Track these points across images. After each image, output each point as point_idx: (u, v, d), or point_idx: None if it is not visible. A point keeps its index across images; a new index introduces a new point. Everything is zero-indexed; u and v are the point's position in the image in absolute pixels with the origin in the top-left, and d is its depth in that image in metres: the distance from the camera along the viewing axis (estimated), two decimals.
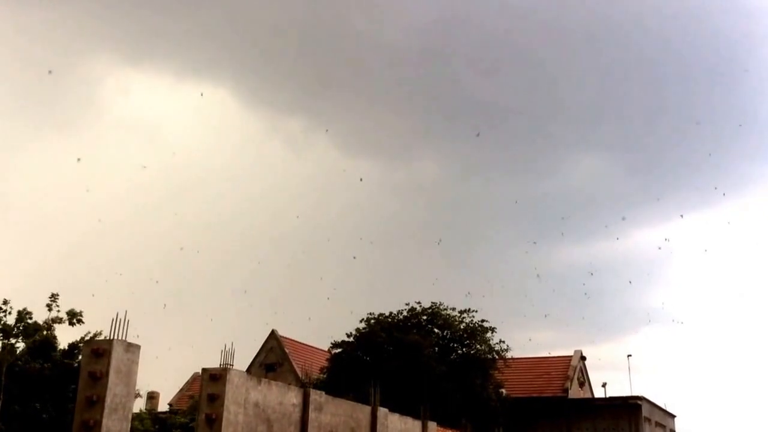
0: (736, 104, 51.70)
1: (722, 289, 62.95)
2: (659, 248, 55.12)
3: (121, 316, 9.92)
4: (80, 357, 11.41)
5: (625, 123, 53.13)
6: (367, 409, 15.88)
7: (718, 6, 47.22)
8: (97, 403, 9.57)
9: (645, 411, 28.52)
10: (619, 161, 55.80)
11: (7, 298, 11.39)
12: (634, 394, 29.06)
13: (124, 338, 9.97)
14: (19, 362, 10.76)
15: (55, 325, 11.60)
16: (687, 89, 52.11)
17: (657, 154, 53.95)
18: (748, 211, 58.92)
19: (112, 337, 9.90)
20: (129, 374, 10.00)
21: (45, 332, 11.44)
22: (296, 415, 13.18)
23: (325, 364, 25.39)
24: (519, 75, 52.95)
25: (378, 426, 15.93)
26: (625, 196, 57.83)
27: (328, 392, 14.73)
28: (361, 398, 16.19)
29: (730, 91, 51.97)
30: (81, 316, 11.67)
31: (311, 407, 13.47)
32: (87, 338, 11.61)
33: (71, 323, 11.69)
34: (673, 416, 34.18)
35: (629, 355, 32.73)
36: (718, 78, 52.23)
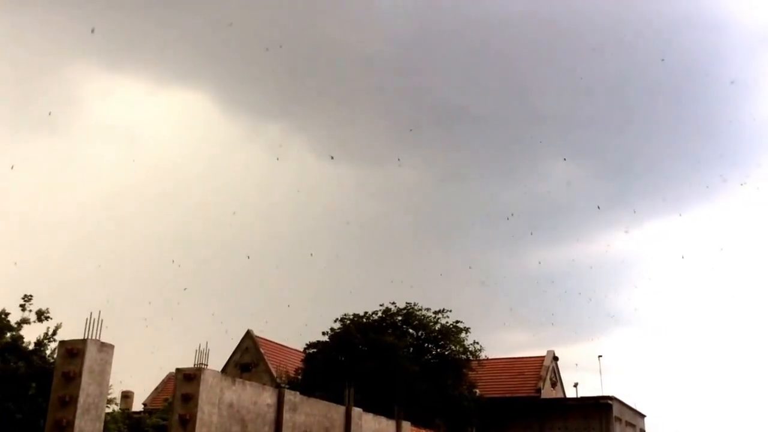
0: (702, 115, 53.49)
1: (691, 292, 64.75)
2: (620, 250, 56.60)
3: (95, 316, 9.96)
4: (48, 353, 11.41)
5: (597, 130, 54.53)
6: (342, 409, 16.05)
7: (684, 21, 48.94)
8: (70, 403, 9.60)
9: (616, 411, 29.16)
10: (591, 167, 57.16)
11: None
12: (605, 394, 29.68)
13: (98, 338, 10.00)
14: None
15: (25, 326, 11.58)
16: (654, 100, 53.74)
17: (627, 161, 55.49)
18: (713, 219, 60.85)
19: (85, 337, 9.92)
20: (102, 374, 10.03)
21: (14, 332, 11.40)
22: (271, 415, 13.29)
23: (301, 364, 25.47)
24: (495, 84, 53.99)
25: (352, 426, 16.11)
26: (598, 201, 59.19)
27: (303, 392, 14.86)
28: (336, 398, 16.35)
29: (696, 103, 53.73)
30: (48, 313, 11.69)
31: (286, 407, 13.59)
32: (50, 332, 11.62)
33: (39, 320, 11.68)
34: (643, 416, 35.02)
35: (600, 356, 33.47)
36: (684, 89, 54.07)
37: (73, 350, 9.84)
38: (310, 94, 56.92)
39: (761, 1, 53.14)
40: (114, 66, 52.94)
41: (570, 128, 55.42)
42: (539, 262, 56.77)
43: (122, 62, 52.38)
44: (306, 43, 53.47)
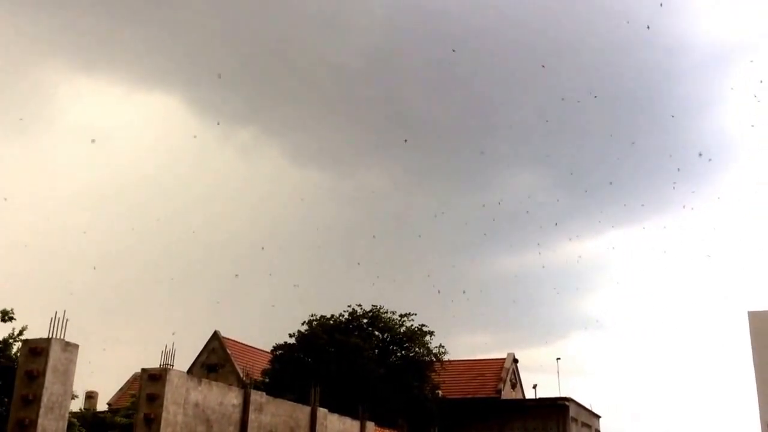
0: (656, 131, 55.95)
1: (649, 298, 67.17)
2: (579, 257, 58.52)
3: (60, 315, 9.95)
4: (14, 353, 11.33)
5: (556, 141, 56.36)
6: (307, 409, 16.26)
7: (642, 40, 51.28)
8: (33, 402, 9.58)
9: (572, 411, 30.11)
10: (552, 176, 59.00)
11: None
12: (563, 395, 30.66)
13: (62, 337, 9.99)
14: None
15: None
16: (614, 114, 55.86)
17: (587, 171, 57.49)
18: (667, 229, 63.45)
19: (49, 336, 9.91)
20: (66, 373, 10.03)
21: None
22: (236, 415, 13.43)
23: (268, 366, 25.53)
24: (459, 94, 55.25)
25: (317, 426, 16.34)
26: (558, 209, 61.13)
27: (270, 393, 15.02)
28: (302, 399, 16.55)
29: (653, 119, 56.15)
30: (12, 313, 11.59)
31: (252, 407, 13.74)
32: (16, 333, 11.53)
33: (3, 320, 11.58)
34: (598, 417, 36.21)
35: (558, 358, 34.53)
36: (642, 106, 56.51)
37: (37, 349, 9.82)
38: (282, 101, 57.18)
39: (715, 21, 55.91)
40: (86, 68, 52.13)
41: (531, 138, 57.08)
42: (496, 269, 58.15)
43: (95, 65, 51.61)
44: (279, 51, 53.69)
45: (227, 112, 55.34)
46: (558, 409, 29.54)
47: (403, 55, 53.43)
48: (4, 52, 44.40)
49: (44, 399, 9.65)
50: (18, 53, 46.11)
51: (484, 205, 58.51)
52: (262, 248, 53.51)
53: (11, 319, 11.61)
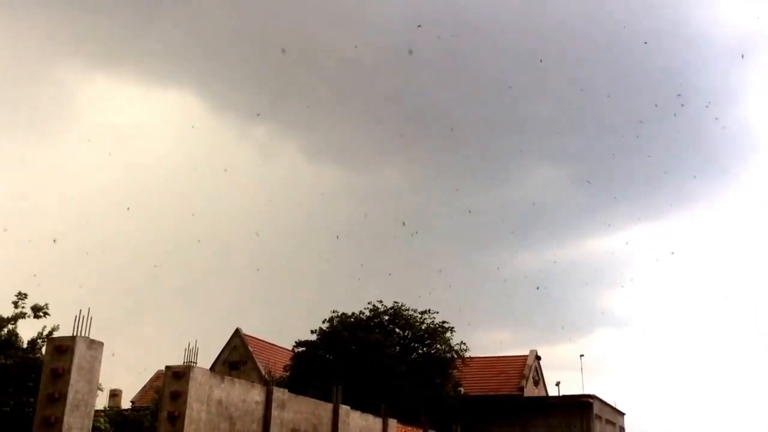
0: (679, 125, 54.83)
1: (672, 294, 65.93)
2: (599, 253, 57.82)
3: (84, 313, 9.98)
4: (43, 351, 11.42)
5: (579, 136, 55.57)
6: (329, 406, 16.20)
7: (666, 33, 50.18)
8: (58, 399, 9.61)
9: (596, 409, 29.67)
10: (573, 172, 58.20)
11: None
12: (586, 392, 30.22)
13: (87, 335, 10.02)
14: None
15: (20, 321, 11.56)
16: (636, 109, 54.89)
17: (609, 166, 56.65)
18: (692, 223, 62.19)
19: (75, 334, 9.94)
20: (91, 371, 10.05)
21: (8, 327, 11.39)
22: (259, 412, 13.39)
23: (289, 362, 25.56)
24: (480, 89, 54.78)
25: (339, 423, 16.27)
26: (579, 205, 60.36)
27: (291, 390, 14.97)
28: (324, 396, 16.49)
29: (676, 113, 54.98)
30: (47, 308, 11.65)
31: (274, 405, 13.70)
32: (46, 332, 11.60)
33: (36, 317, 11.64)
34: (623, 414, 35.65)
35: (582, 355, 34.05)
36: (664, 101, 55.41)
37: (62, 347, 9.85)
38: (298, 97, 57.29)
39: (736, 13, 54.53)
40: (103, 68, 52.82)
41: (552, 134, 56.35)
42: (517, 266, 57.59)
43: (112, 64, 52.27)
44: (295, 47, 53.80)
45: (244, 109, 55.71)
46: (581, 406, 29.13)
47: (421, 48, 53.13)
48: (21, 53, 45.21)
49: (69, 397, 9.68)
50: (36, 53, 46.91)
51: (502, 201, 58.03)
52: (286, 245, 53.64)
53: (45, 314, 11.66)
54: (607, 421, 32.15)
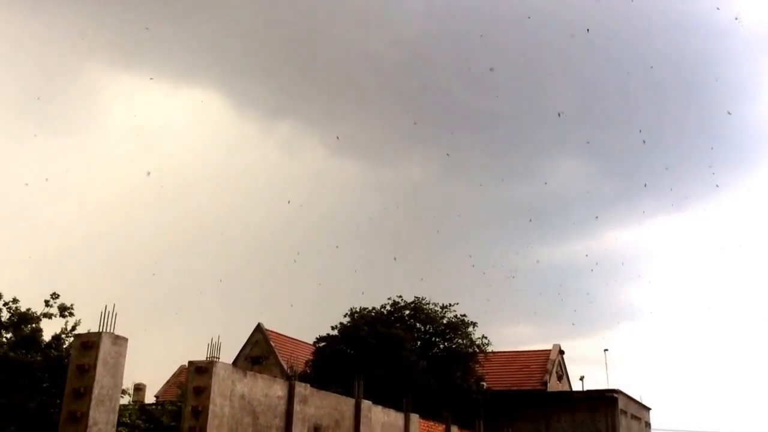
0: (703, 117, 53.52)
1: (697, 288, 64.60)
2: (624, 246, 56.80)
3: (110, 309, 10.06)
4: (65, 347, 11.57)
5: (601, 129, 54.65)
6: (351, 401, 16.17)
7: (688, 25, 48.90)
8: (84, 395, 9.71)
9: (621, 404, 29.22)
10: (598, 165, 57.26)
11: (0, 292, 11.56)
12: (611, 387, 29.76)
13: (112, 331, 10.11)
14: (11, 354, 10.87)
15: (45, 319, 11.74)
16: (658, 101, 53.69)
17: (633, 160, 55.60)
18: (714, 216, 60.79)
19: (100, 330, 10.03)
20: (116, 366, 10.14)
21: (33, 324, 11.56)
22: (282, 407, 13.42)
23: (311, 357, 25.63)
24: (501, 83, 54.11)
25: (361, 418, 16.24)
26: (601, 198, 59.46)
27: (313, 385, 14.98)
28: (346, 391, 16.47)
29: (699, 105, 53.67)
30: (72, 309, 11.82)
31: (296, 399, 13.71)
32: (69, 328, 11.76)
33: (62, 315, 11.83)
34: (648, 409, 35.06)
35: (606, 350, 33.61)
36: (687, 93, 54.14)
37: (88, 343, 9.95)
38: (319, 93, 57.38)
39: (760, 4, 52.87)
40: (129, 67, 53.54)
41: (576, 127, 55.47)
42: (539, 260, 56.97)
43: (137, 63, 52.95)
44: (316, 43, 53.79)
45: (268, 106, 56.02)
46: (606, 401, 28.72)
47: (442, 41, 52.70)
48: (50, 52, 45.98)
49: (95, 392, 9.77)
50: (62, 53, 47.70)
51: (526, 195, 57.40)
52: (309, 240, 53.72)
53: (71, 314, 11.84)
54: (633, 417, 31.64)
